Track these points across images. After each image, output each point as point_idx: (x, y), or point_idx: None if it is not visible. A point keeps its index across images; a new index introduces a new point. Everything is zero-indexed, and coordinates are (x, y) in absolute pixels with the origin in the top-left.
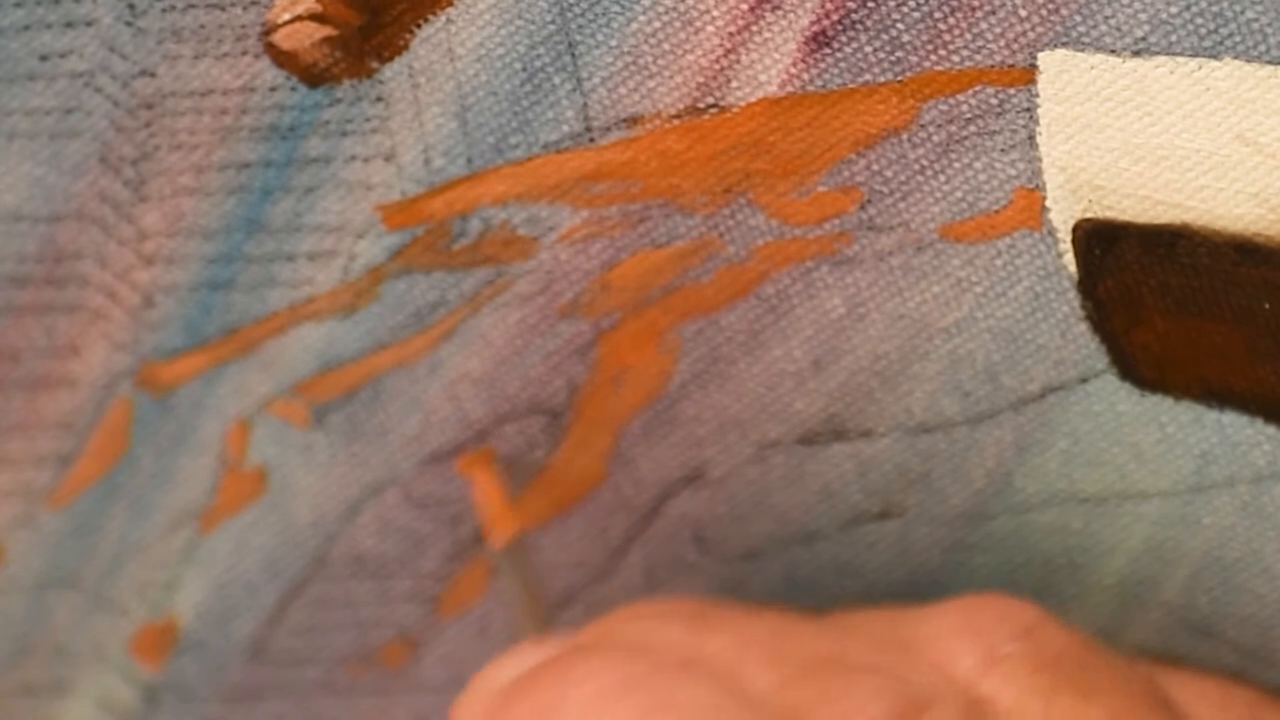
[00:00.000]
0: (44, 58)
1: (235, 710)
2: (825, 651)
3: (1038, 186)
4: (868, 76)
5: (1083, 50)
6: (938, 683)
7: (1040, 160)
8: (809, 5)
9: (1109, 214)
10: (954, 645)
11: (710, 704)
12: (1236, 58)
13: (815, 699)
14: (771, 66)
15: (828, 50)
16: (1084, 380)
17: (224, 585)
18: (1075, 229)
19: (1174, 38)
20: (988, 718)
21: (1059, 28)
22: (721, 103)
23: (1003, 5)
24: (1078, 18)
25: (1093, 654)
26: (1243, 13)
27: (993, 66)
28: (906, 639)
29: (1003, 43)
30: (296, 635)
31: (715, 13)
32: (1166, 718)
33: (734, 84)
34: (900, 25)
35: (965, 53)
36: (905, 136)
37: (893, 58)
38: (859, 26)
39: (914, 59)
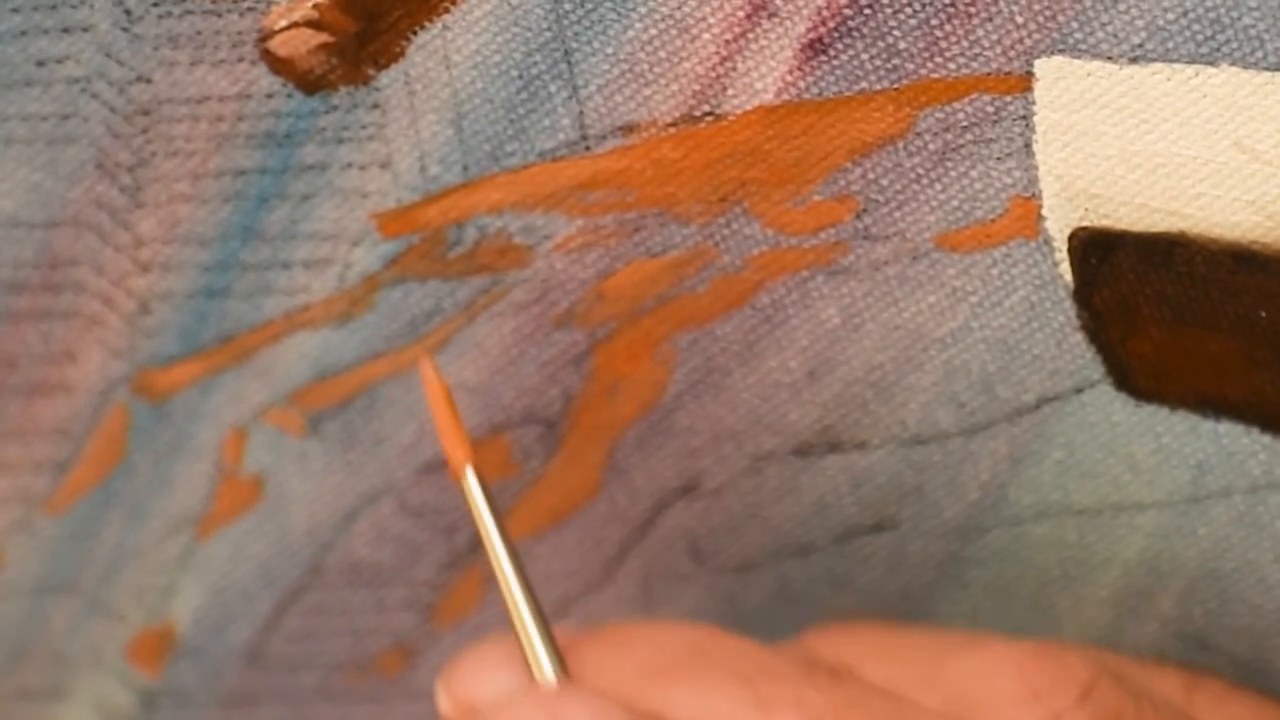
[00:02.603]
0: (41, 63)
1: (232, 716)
2: None
3: (1034, 195)
4: (864, 84)
5: (1079, 57)
6: None
7: (1036, 168)
8: (805, 13)
9: (1105, 222)
10: (1016, 713)
11: None
12: (1233, 64)
13: None
14: (767, 74)
15: (824, 58)
16: (1079, 390)
17: (221, 592)
18: (1071, 238)
19: (1171, 44)
20: None
21: (1056, 35)
22: (717, 111)
23: (999, 12)
24: (1074, 25)
25: (1143, 704)
26: (1239, 19)
27: (989, 74)
28: (964, 706)
29: (999, 50)
30: (293, 642)
31: (711, 20)
32: None
33: (730, 92)
34: (896, 32)
35: (961, 60)
36: (901, 144)
37: (889, 65)
38: (855, 34)
39: (910, 66)
